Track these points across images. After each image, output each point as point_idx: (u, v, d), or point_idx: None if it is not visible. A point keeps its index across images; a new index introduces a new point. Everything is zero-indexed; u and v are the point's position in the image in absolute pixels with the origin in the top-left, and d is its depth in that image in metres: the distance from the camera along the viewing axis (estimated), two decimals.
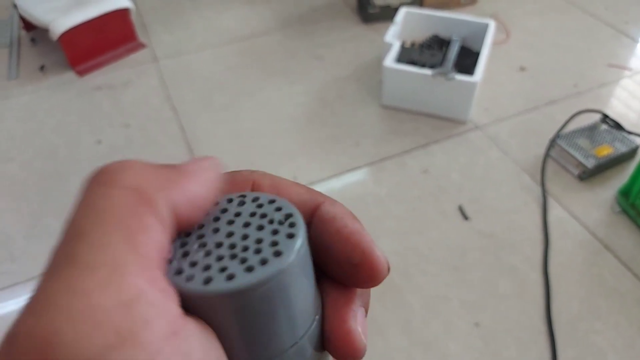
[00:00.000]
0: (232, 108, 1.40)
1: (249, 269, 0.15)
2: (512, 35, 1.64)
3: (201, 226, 0.17)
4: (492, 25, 1.40)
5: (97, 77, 1.50)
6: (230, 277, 0.15)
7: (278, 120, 1.36)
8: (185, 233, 0.17)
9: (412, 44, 1.44)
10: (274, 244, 0.16)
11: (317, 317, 0.17)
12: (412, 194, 1.15)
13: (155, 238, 0.14)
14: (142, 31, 1.67)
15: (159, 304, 0.13)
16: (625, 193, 1.09)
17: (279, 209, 0.17)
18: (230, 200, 0.18)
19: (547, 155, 1.21)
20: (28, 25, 1.63)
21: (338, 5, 1.80)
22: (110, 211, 0.14)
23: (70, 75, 1.50)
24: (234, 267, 0.15)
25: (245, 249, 0.16)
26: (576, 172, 1.17)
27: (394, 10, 1.55)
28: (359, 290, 0.18)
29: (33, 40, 1.64)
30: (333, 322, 0.17)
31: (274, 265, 0.15)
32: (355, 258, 0.17)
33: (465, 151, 1.25)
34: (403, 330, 0.92)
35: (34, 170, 1.23)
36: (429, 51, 1.40)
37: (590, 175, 1.16)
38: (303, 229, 0.16)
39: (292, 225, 0.17)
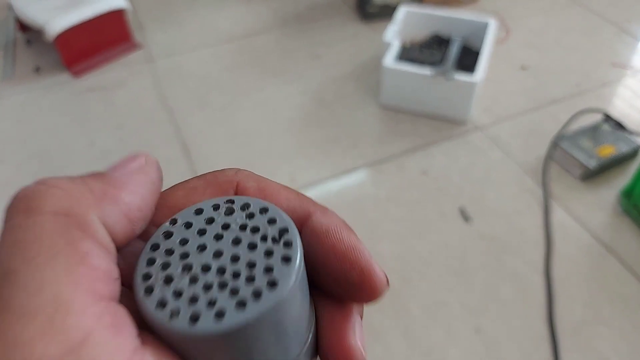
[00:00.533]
0: (229, 108, 1.38)
1: (241, 304, 0.13)
2: (513, 34, 1.62)
3: (185, 241, 0.15)
4: (492, 23, 1.38)
5: (92, 78, 1.48)
6: (220, 315, 0.13)
7: (275, 120, 1.34)
8: (151, 245, 0.15)
9: (412, 44, 1.42)
10: (268, 270, 0.14)
11: (310, 335, 0.16)
12: (412, 196, 1.13)
13: (97, 265, 0.13)
14: (137, 31, 1.65)
15: (111, 343, 0.12)
16: (627, 194, 1.07)
17: (272, 221, 0.15)
18: (216, 207, 0.16)
19: (548, 156, 1.19)
20: (23, 26, 1.61)
21: (337, 4, 1.78)
22: (39, 243, 0.12)
23: (65, 76, 1.48)
24: (223, 300, 0.13)
25: (236, 275, 0.14)
26: (578, 172, 1.15)
27: (393, 8, 1.53)
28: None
29: (29, 41, 1.62)
30: (332, 339, 0.16)
31: (269, 299, 0.13)
32: (354, 277, 0.16)
33: (465, 152, 1.23)
34: (402, 336, 0.90)
35: (26, 173, 1.21)
36: (428, 50, 1.38)
37: (592, 175, 1.14)
38: (299, 248, 0.15)
39: (287, 244, 0.15)
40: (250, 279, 0.14)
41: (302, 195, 0.17)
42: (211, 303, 0.13)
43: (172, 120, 1.34)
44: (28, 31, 1.62)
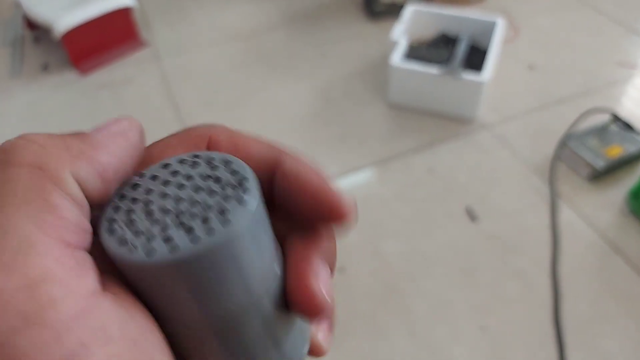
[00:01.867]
0: (236, 106, 1.38)
1: (194, 239, 0.14)
2: (521, 33, 1.61)
3: (149, 190, 0.16)
4: (500, 23, 1.38)
5: (100, 76, 1.49)
6: (174, 249, 0.14)
7: (282, 118, 1.34)
8: (118, 195, 0.16)
9: (419, 43, 1.42)
10: (223, 211, 0.15)
11: (275, 279, 0.17)
12: (418, 194, 1.13)
13: (66, 216, 0.14)
14: (145, 28, 1.66)
15: (68, 283, 0.13)
16: (635, 194, 1.06)
17: (234, 172, 0.16)
18: (182, 161, 0.17)
19: (555, 155, 1.19)
20: (31, 24, 1.62)
21: (344, 2, 1.78)
22: (11, 193, 0.13)
23: (73, 74, 1.49)
24: (178, 237, 0.14)
25: (194, 216, 0.15)
26: (585, 172, 1.14)
27: (400, 7, 1.53)
28: (322, 246, 0.18)
29: (36, 39, 1.63)
30: (293, 280, 0.17)
31: (220, 235, 0.14)
32: (325, 212, 0.17)
33: (472, 151, 1.23)
34: (407, 335, 0.90)
35: None
36: (435, 49, 1.38)
37: (599, 176, 1.14)
38: (255, 192, 0.16)
39: (245, 189, 0.16)
40: (206, 220, 0.15)
41: (274, 144, 0.18)
42: (167, 240, 0.14)
43: (179, 118, 1.35)
44: (36, 29, 1.63)
